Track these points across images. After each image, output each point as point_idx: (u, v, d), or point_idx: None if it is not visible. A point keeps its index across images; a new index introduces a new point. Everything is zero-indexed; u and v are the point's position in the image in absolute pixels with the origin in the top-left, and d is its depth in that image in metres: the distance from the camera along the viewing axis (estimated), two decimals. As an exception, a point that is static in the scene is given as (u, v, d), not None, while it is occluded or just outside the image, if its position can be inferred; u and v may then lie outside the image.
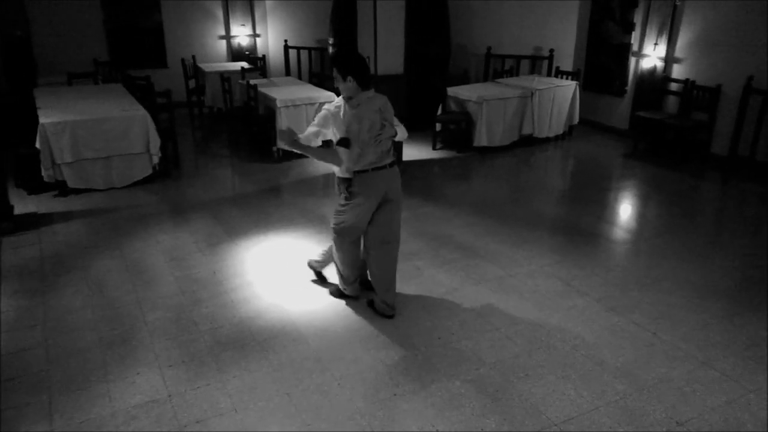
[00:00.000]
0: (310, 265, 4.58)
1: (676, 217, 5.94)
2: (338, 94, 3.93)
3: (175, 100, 7.73)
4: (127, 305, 4.20)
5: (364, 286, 4.33)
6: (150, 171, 6.67)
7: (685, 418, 3.13)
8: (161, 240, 5.27)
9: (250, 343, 3.77)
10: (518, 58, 9.83)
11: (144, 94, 7.37)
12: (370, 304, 4.18)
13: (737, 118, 7.17)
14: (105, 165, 6.42)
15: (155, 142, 6.56)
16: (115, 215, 5.83)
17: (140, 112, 6.58)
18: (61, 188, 6.29)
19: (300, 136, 3.82)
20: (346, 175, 3.93)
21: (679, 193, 6.72)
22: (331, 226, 4.06)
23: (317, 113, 3.96)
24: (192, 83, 9.99)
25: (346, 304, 4.24)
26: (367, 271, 4.22)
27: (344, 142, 3.72)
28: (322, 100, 7.59)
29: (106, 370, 3.49)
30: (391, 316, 4.06)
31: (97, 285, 4.49)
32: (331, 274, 4.48)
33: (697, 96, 7.66)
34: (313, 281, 4.54)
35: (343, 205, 4.00)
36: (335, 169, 4.00)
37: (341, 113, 3.80)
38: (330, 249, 4.28)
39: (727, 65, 7.30)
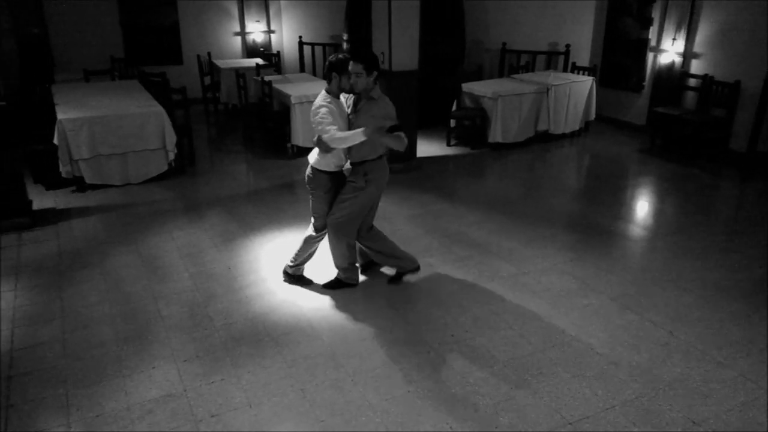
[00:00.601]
0: (288, 273, 4.47)
1: (694, 215, 5.87)
2: (345, 91, 4.01)
3: (191, 97, 7.79)
4: (142, 300, 4.24)
5: (366, 268, 4.61)
6: (166, 167, 6.72)
7: (701, 418, 3.09)
8: (176, 236, 5.31)
9: (264, 338, 3.79)
10: (534, 54, 9.75)
11: (159, 91, 7.42)
12: (394, 279, 4.46)
13: (756, 114, 7.06)
14: (121, 161, 6.48)
15: (171, 138, 6.60)
16: (132, 211, 5.89)
17: (156, 109, 6.62)
18: (79, 184, 6.36)
19: (345, 133, 3.81)
20: (342, 167, 4.14)
21: (697, 190, 6.63)
22: (335, 219, 4.12)
23: (319, 112, 3.89)
24: (207, 80, 10.04)
25: (359, 300, 4.24)
26: (368, 253, 4.47)
27: (398, 127, 3.82)
28: (336, 97, 7.59)
29: (122, 365, 3.53)
30: (417, 268, 4.46)
31: (113, 280, 4.53)
32: (312, 272, 4.56)
33: (715, 91, 7.55)
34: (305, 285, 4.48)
35: (350, 196, 4.06)
36: (330, 161, 4.05)
37: (350, 107, 4.05)
38: (305, 247, 4.35)
39: (746, 61, 7.18)
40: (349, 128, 3.96)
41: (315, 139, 3.98)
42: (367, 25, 7.04)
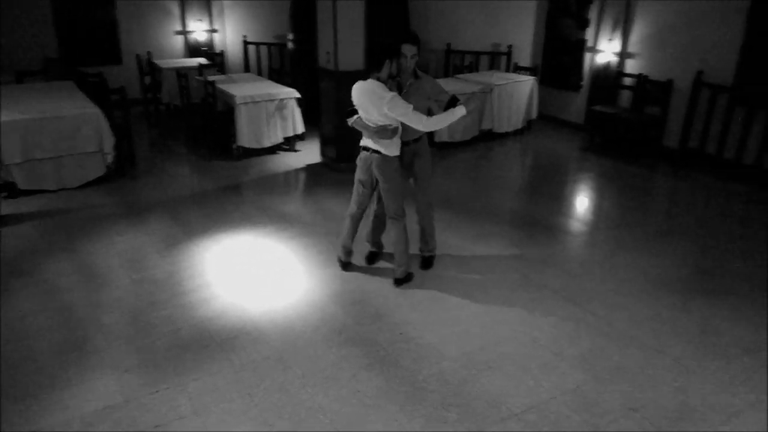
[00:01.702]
0: (402, 279, 4.47)
1: (631, 209, 6.10)
2: (391, 77, 4.05)
3: (130, 97, 7.54)
4: (81, 309, 4.09)
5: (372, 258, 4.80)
6: (104, 171, 6.49)
7: (639, 404, 3.22)
8: (116, 241, 5.14)
9: (211, 344, 3.72)
10: (477, 54, 9.92)
11: (96, 92, 7.16)
12: (427, 263, 4.72)
13: (688, 112, 7.40)
14: (56, 165, 6.22)
15: (109, 140, 6.39)
16: (68, 217, 5.66)
17: (92, 110, 6.39)
18: (11, 190, 6.07)
19: (446, 114, 4.00)
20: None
21: (634, 185, 6.90)
22: (395, 214, 4.27)
23: (398, 103, 3.91)
24: (147, 80, 9.75)
25: (308, 302, 4.22)
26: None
27: (455, 97, 4.11)
28: (282, 96, 7.53)
29: (59, 377, 3.39)
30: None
31: (49, 289, 4.35)
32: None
33: (649, 90, 7.87)
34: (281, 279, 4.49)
35: (394, 184, 4.20)
36: (382, 145, 4.10)
37: (410, 88, 4.16)
38: (404, 241, 4.36)
39: (678, 60, 7.51)
40: None
41: (375, 127, 4.02)
42: (312, 24, 7.00)
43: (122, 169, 6.81)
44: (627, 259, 4.90)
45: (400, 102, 3.86)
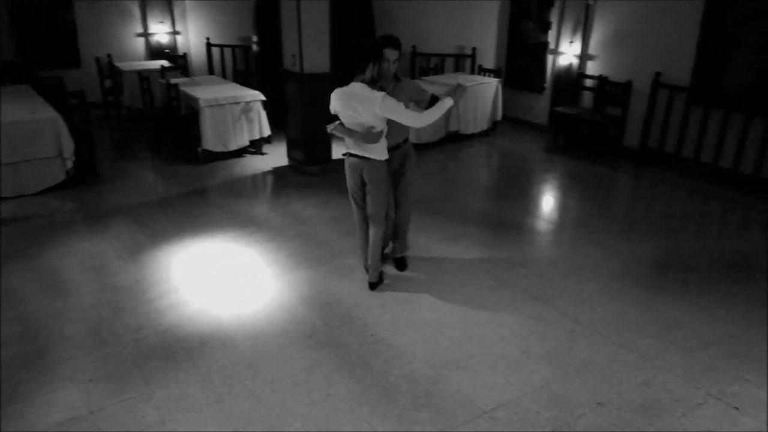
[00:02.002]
0: (375, 283, 4.46)
1: (594, 208, 6.23)
2: (373, 80, 3.95)
3: (91, 101, 7.37)
4: (42, 319, 3.97)
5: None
6: (63, 177, 6.32)
7: (606, 399, 3.28)
8: (77, 249, 5.01)
9: (178, 351, 3.65)
10: (443, 57, 10.00)
11: (54, 96, 6.97)
12: (402, 264, 4.73)
13: (647, 112, 7.59)
14: (12, 171, 6.02)
15: (68, 145, 6.22)
16: (27, 224, 5.49)
17: (50, 114, 6.22)
18: (-35, 197, 5.87)
19: (434, 109, 3.96)
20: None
21: (596, 184, 7.05)
22: (378, 218, 4.25)
23: (388, 101, 3.88)
24: (108, 83, 9.54)
25: (278, 306, 4.18)
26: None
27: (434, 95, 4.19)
28: (247, 99, 7.45)
29: (19, 389, 3.28)
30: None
31: (7, 299, 4.21)
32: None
33: (610, 91, 8.05)
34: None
35: (381, 191, 4.19)
36: (370, 150, 4.06)
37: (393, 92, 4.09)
38: (379, 247, 4.38)
39: (637, 61, 7.71)
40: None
41: (365, 132, 3.95)
42: (277, 26, 6.95)
43: (83, 174, 6.63)
44: (591, 257, 4.99)
45: (391, 101, 3.84)
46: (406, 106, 3.96)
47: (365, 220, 4.39)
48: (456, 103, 3.98)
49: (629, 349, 3.73)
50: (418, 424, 3.09)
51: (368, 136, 3.95)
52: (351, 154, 4.15)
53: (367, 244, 4.40)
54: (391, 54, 4.00)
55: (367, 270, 4.54)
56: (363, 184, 4.22)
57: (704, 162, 7.05)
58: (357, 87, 3.91)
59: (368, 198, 4.23)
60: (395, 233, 4.66)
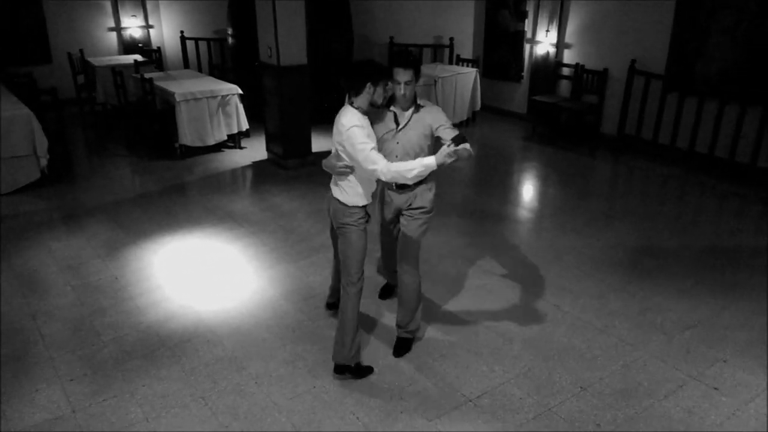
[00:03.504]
0: (352, 367, 3.38)
1: (573, 195, 6.29)
2: (374, 105, 3.19)
3: (64, 98, 7.24)
4: (19, 320, 3.90)
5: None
6: (38, 175, 6.20)
7: (587, 383, 3.33)
8: (55, 248, 4.93)
9: (160, 349, 3.62)
10: (420, 47, 9.97)
11: (26, 92, 6.82)
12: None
13: (623, 100, 7.67)
14: (-15, 170, 5.91)
15: (42, 143, 6.10)
16: (2, 224, 5.38)
17: (22, 111, 6.08)
18: (-65, 198, 5.73)
19: (407, 164, 3.02)
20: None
21: (575, 172, 7.11)
22: (346, 281, 3.27)
23: (355, 135, 3.03)
24: (81, 79, 9.36)
25: (260, 302, 4.16)
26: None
27: (462, 137, 3.15)
28: (224, 93, 7.37)
29: (1, 390, 3.24)
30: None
31: (-17, 301, 4.13)
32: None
33: (586, 79, 8.11)
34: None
35: (350, 247, 3.25)
36: (343, 187, 3.22)
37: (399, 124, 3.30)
38: (348, 320, 3.29)
39: (613, 49, 7.77)
40: (389, 147, 3.27)
41: (333, 163, 3.15)
42: (252, 18, 6.87)
43: (58, 172, 6.52)
44: (571, 244, 5.04)
45: (358, 134, 2.98)
46: (417, 144, 3.24)
47: (338, 270, 3.56)
48: (440, 166, 2.99)
49: (610, 333, 3.78)
50: (403, 413, 3.10)
51: (339, 168, 3.14)
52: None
53: (338, 279, 3.62)
54: (402, 75, 3.13)
55: (329, 305, 3.94)
56: (332, 225, 3.38)
57: (680, 148, 7.15)
58: (342, 111, 3.12)
59: (338, 245, 3.34)
60: (398, 297, 3.64)
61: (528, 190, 6.69)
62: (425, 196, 3.43)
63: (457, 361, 3.51)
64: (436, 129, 3.26)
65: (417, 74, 3.20)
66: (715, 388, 3.28)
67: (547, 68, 8.64)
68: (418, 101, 3.30)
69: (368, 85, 3.06)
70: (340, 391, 3.26)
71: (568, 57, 8.40)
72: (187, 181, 6.64)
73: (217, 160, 7.29)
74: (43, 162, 6.18)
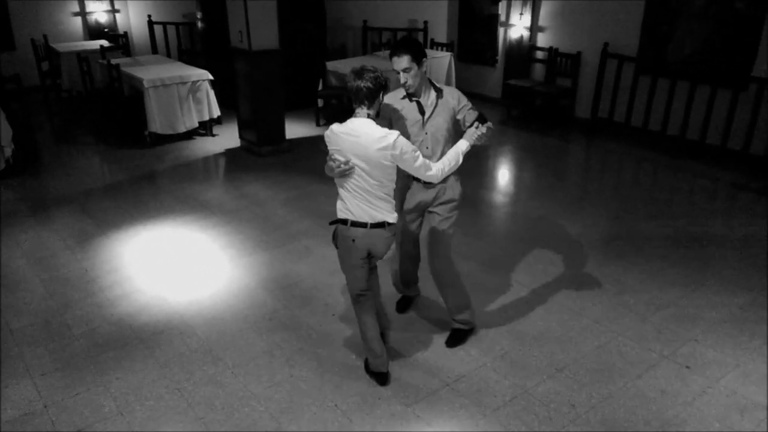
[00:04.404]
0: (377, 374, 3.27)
1: (549, 179, 6.32)
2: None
3: (28, 85, 7.03)
4: (-14, 315, 3.80)
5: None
6: (3, 165, 6.03)
7: (563, 364, 3.37)
8: (22, 240, 4.80)
9: (133, 341, 3.56)
10: (395, 31, 9.89)
11: (-13, 80, 6.61)
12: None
13: (596, 83, 7.71)
14: (-54, 161, 5.72)
15: (6, 132, 5.92)
16: (-35, 216, 5.23)
17: (-16, 100, 5.90)
18: None
19: (450, 158, 3.09)
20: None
21: (550, 155, 7.15)
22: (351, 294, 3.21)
23: (404, 147, 2.86)
24: (45, 66, 9.09)
25: (235, 291, 4.11)
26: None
27: (483, 116, 3.14)
28: (194, 79, 7.23)
29: (-35, 389, 3.15)
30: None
31: (-53, 296, 4.01)
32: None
33: (560, 63, 8.14)
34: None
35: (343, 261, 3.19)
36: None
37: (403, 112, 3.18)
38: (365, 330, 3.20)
39: (586, 32, 7.79)
40: (418, 139, 3.16)
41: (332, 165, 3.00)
42: (222, 1, 6.72)
43: (24, 162, 6.34)
44: (546, 228, 5.08)
45: (404, 147, 2.84)
46: (446, 127, 3.16)
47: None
48: (471, 146, 3.10)
49: (584, 315, 3.83)
50: (381, 400, 3.10)
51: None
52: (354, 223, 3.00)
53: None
54: (397, 63, 3.02)
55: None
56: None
57: (652, 130, 7.23)
58: (364, 126, 2.85)
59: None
60: (443, 290, 3.55)
61: (503, 175, 6.71)
62: (455, 188, 3.34)
63: (433, 346, 3.52)
64: (459, 110, 3.19)
65: (416, 59, 3.02)
66: (687, 367, 3.34)
67: (521, 52, 8.64)
68: (437, 84, 3.21)
69: (381, 93, 2.91)
70: (319, 378, 3.25)
71: (542, 40, 8.41)
72: (157, 169, 6.52)
73: (189, 148, 7.16)
74: (8, 152, 6.01)
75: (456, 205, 3.36)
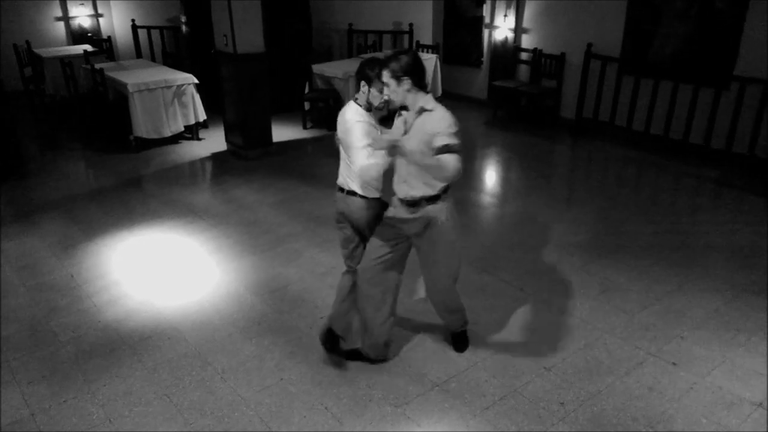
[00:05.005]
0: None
1: (535, 179, 6.37)
2: (370, 109, 3.07)
3: (10, 90, 6.95)
4: (-30, 323, 3.75)
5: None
6: (-14, 171, 5.96)
7: (551, 363, 3.39)
8: (6, 247, 4.75)
9: (120, 347, 3.53)
10: (380, 34, 9.91)
11: (-31, 86, 6.53)
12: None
13: (580, 83, 7.78)
14: (-72, 168, 5.64)
15: (-11, 138, 5.86)
16: (-53, 224, 5.16)
17: (-34, 106, 5.82)
18: None
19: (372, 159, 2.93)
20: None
21: (536, 156, 7.20)
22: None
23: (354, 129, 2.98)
24: (28, 71, 9.00)
25: (224, 296, 4.10)
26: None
27: (448, 148, 2.83)
28: (179, 83, 7.19)
29: (-50, 399, 3.11)
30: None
31: (-70, 305, 3.96)
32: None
33: (545, 64, 8.20)
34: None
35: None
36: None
37: (405, 124, 3.04)
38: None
39: (570, 33, 7.86)
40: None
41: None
42: (206, 5, 6.70)
43: (8, 169, 6.26)
44: (533, 228, 5.11)
45: (359, 129, 2.95)
46: (420, 151, 2.83)
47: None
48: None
49: (571, 314, 3.86)
50: (371, 402, 3.10)
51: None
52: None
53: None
54: (384, 75, 2.89)
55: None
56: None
57: (636, 130, 7.30)
58: (347, 107, 3.08)
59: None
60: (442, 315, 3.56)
61: (489, 175, 6.74)
62: (444, 212, 3.21)
63: (423, 347, 3.53)
64: (434, 137, 2.83)
65: (397, 75, 2.84)
66: (674, 364, 3.38)
67: (506, 53, 8.69)
68: (425, 106, 2.93)
69: (362, 83, 3.00)
70: (308, 381, 3.25)
71: (526, 42, 8.46)
72: (143, 174, 6.47)
73: (175, 152, 7.12)
74: (-9, 158, 5.94)
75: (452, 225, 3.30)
